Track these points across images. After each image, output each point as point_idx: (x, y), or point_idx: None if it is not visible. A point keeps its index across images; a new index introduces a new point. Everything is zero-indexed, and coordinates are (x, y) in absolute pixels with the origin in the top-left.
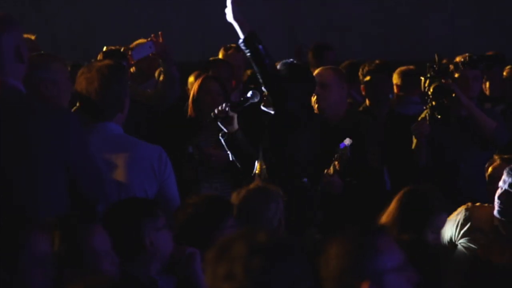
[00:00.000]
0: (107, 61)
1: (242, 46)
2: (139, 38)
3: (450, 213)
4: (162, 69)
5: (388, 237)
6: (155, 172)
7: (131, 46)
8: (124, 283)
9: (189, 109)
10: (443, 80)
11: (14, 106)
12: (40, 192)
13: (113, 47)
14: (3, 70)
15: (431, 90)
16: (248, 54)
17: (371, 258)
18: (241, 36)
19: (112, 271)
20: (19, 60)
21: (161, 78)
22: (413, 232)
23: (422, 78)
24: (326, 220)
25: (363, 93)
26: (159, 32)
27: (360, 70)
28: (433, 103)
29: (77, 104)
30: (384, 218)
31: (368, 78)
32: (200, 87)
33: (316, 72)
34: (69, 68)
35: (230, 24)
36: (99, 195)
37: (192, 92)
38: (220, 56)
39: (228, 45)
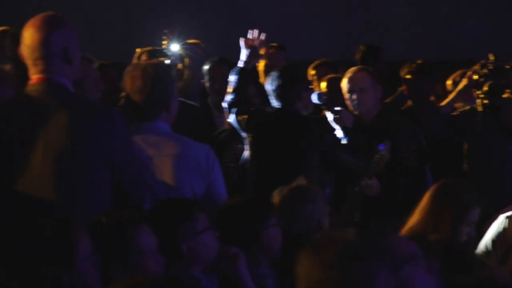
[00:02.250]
0: (153, 60)
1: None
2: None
3: (483, 208)
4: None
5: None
6: (203, 171)
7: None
8: (166, 283)
9: None
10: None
11: (60, 103)
12: (83, 190)
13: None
14: (51, 69)
15: (487, 88)
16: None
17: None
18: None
19: (157, 271)
20: (67, 61)
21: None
22: (446, 227)
23: (476, 76)
24: (364, 220)
25: (405, 93)
26: (165, 31)
27: (402, 70)
28: (485, 101)
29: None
30: (417, 213)
31: (409, 77)
32: None
33: (349, 74)
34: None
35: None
36: (143, 195)
37: None
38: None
39: (270, 44)
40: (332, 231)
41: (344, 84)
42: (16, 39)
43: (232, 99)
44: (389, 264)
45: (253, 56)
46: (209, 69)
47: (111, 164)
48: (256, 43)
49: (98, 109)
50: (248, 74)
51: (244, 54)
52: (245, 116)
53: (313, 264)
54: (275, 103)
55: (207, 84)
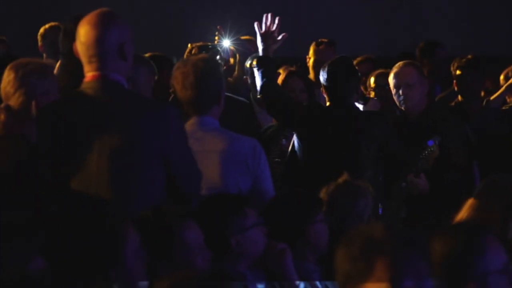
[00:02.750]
0: (202, 55)
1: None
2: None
3: None
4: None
5: (493, 236)
6: (249, 166)
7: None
8: (213, 278)
9: None
10: None
11: (114, 99)
12: (136, 187)
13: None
14: (106, 66)
15: None
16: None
17: (478, 258)
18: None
19: (204, 266)
20: (122, 58)
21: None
22: (494, 223)
23: None
24: (410, 216)
25: (455, 88)
26: (218, 26)
27: (452, 65)
28: None
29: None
30: (464, 210)
31: (459, 73)
32: (282, 84)
33: (395, 70)
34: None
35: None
36: (196, 191)
37: None
38: (311, 51)
39: (319, 40)
40: (361, 225)
41: (391, 79)
42: (68, 35)
43: (262, 86)
44: (420, 258)
45: (271, 42)
46: (251, 65)
47: (165, 161)
48: (272, 27)
49: (153, 106)
50: (271, 60)
51: (259, 40)
52: (296, 111)
53: (342, 257)
54: (330, 96)
55: (248, 81)
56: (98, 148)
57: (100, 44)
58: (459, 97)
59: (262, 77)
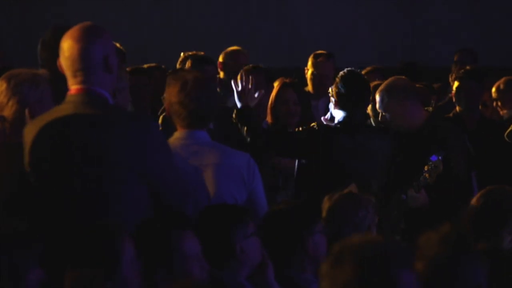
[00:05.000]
0: (196, 71)
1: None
2: (227, 43)
3: None
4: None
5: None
6: (244, 180)
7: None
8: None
9: (267, 116)
10: None
11: (97, 113)
12: (114, 200)
13: (201, 52)
14: (91, 80)
15: None
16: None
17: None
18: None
19: (201, 276)
20: (107, 71)
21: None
22: (489, 235)
23: None
24: (409, 228)
25: (453, 99)
26: None
27: (450, 76)
28: None
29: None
30: (462, 221)
31: (457, 84)
32: (276, 95)
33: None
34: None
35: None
36: (184, 207)
37: (270, 99)
38: (309, 63)
39: (318, 52)
40: (354, 241)
41: None
42: (46, 45)
43: (251, 142)
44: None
45: (248, 100)
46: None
47: (144, 175)
48: (248, 86)
49: (132, 118)
50: (251, 112)
51: (236, 98)
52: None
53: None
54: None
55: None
56: (81, 160)
57: (85, 58)
58: (457, 108)
59: (248, 132)
